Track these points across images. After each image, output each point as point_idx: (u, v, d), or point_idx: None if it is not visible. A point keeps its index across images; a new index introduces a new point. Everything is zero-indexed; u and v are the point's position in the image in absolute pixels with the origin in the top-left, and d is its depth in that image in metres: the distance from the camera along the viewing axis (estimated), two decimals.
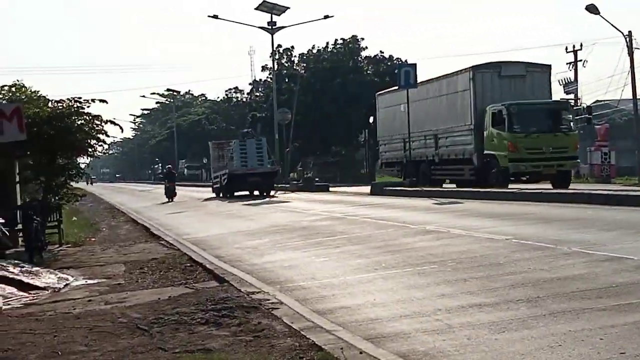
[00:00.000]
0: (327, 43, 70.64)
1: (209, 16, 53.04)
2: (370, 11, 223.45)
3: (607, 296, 7.52)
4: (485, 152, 30.60)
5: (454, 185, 33.23)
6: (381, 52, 69.63)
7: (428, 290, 8.91)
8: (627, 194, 19.66)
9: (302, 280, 10.61)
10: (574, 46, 54.28)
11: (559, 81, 53.41)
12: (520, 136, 29.32)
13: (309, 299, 9.11)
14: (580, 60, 53.75)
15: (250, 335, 7.52)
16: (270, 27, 51.80)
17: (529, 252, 10.97)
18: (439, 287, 9.08)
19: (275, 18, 51.49)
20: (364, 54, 69.95)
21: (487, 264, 10.30)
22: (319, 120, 62.00)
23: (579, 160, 29.97)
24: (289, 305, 8.73)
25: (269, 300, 9.08)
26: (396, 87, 38.33)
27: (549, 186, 28.75)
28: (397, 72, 34.15)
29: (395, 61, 65.65)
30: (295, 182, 47.84)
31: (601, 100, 61.81)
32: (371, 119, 53.64)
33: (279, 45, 68.51)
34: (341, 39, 70.50)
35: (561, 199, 20.87)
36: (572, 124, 30.09)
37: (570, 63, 54.10)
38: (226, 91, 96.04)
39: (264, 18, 57.12)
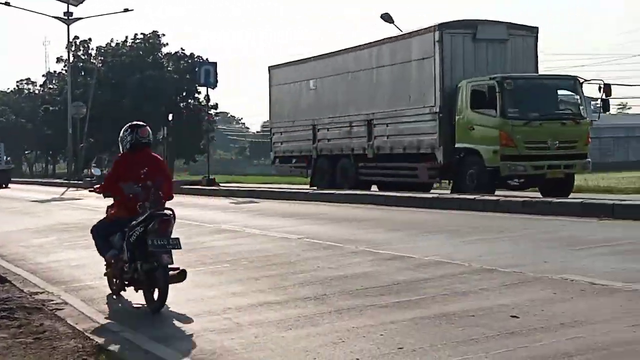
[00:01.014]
0: (127, 37, 70.55)
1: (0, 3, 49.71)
2: (174, 6, 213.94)
3: (389, 293, 7.63)
4: (458, 145, 21.67)
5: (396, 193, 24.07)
6: (182, 49, 70.39)
7: (219, 289, 8.90)
8: (412, 196, 19.88)
9: (89, 279, 10.21)
10: None
11: None
12: (518, 124, 20.59)
13: (96, 299, 8.87)
14: None
15: (31, 337, 7.25)
16: (66, 17, 49.84)
17: (320, 251, 11.20)
18: (230, 285, 9.12)
19: (72, 9, 49.90)
20: (164, 50, 70.49)
21: (279, 263, 10.46)
22: (116, 115, 56.80)
23: (590, 160, 21.67)
24: (74, 305, 8.53)
25: (53, 300, 8.84)
26: (303, 58, 28.90)
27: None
28: (197, 70, 33.65)
29: (196, 59, 65.45)
30: (89, 178, 40.84)
31: None
32: (170, 116, 51.95)
33: (76, 37, 68.56)
34: (141, 33, 70.38)
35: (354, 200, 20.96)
36: (582, 109, 21.60)
37: None
38: (17, 82, 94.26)
39: (60, 8, 53.48)
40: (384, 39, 24.98)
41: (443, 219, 15.25)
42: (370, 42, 25.42)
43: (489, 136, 20.85)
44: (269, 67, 31.53)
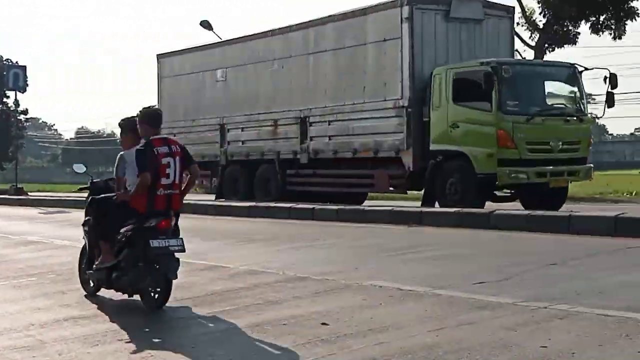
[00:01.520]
0: None
1: None
2: None
3: (202, 304, 7.49)
4: (435, 147, 17.40)
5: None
6: None
7: (23, 304, 8.31)
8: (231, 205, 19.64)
9: None
10: None
11: None
12: (519, 121, 16.52)
13: None
14: None
15: None
16: None
17: None
18: (35, 300, 8.50)
19: None
20: None
21: None
22: None
23: (592, 166, 17.91)
24: None
25: None
26: (207, 43, 24.01)
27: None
28: (4, 74, 32.24)
29: (5, 62, 57.44)
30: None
31: None
32: None
33: None
34: None
35: None
36: (584, 103, 17.82)
37: None
38: None
39: None
40: (325, 17, 20.40)
41: (260, 227, 15.12)
42: (306, 22, 20.84)
43: (481, 136, 16.72)
44: (158, 55, 26.33)
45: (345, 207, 16.55)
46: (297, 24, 20.99)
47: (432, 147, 17.51)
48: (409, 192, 19.31)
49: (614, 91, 17.73)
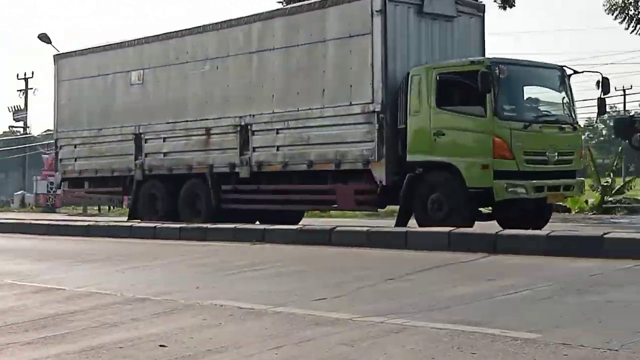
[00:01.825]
0: None
1: None
2: None
3: (34, 328, 7.02)
4: (413, 158, 15.24)
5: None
6: None
7: None
8: (67, 224, 18.83)
9: None
10: (25, 73, 58.21)
11: (8, 108, 54.40)
12: (517, 128, 14.59)
13: None
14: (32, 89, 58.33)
15: None
16: None
17: None
18: None
19: None
20: None
21: None
22: None
23: (583, 179, 16.16)
24: None
25: None
26: (117, 42, 21.18)
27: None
28: None
29: None
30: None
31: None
32: None
33: None
34: None
35: None
36: (574, 110, 16.09)
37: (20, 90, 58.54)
38: None
39: None
40: (273, 10, 18.01)
41: (99, 247, 14.57)
42: (247, 17, 18.29)
43: (474, 145, 14.71)
44: (55, 56, 23.17)
45: (188, 225, 15.68)
46: (235, 19, 18.44)
47: (410, 157, 15.33)
48: (380, 209, 17.02)
49: (604, 97, 16.03)
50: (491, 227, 13.55)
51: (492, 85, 14.16)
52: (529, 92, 15.37)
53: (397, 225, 15.46)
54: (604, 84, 15.66)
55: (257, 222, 17.36)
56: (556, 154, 15.01)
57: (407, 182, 15.29)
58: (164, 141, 19.60)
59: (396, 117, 15.61)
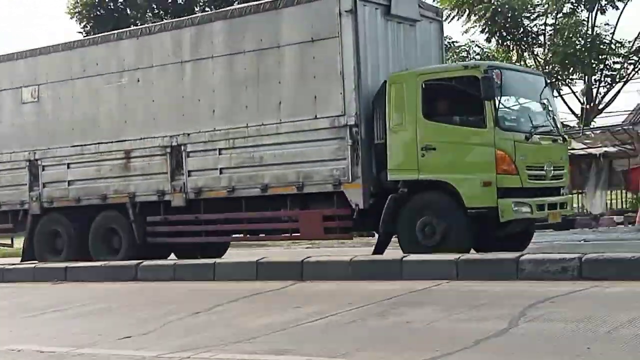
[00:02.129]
0: None
1: None
2: None
3: None
4: (396, 177, 13.43)
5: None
6: None
7: None
8: None
9: None
10: None
11: None
12: (520, 139, 13.06)
13: None
14: None
15: None
16: None
17: None
18: None
19: None
20: None
21: None
22: None
23: (571, 196, 14.84)
24: None
25: None
26: (4, 54, 18.26)
27: None
28: None
29: None
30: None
31: None
32: None
33: None
34: None
35: None
36: (558, 120, 14.81)
37: None
38: None
39: None
40: (211, 13, 15.73)
41: None
42: (178, 21, 15.98)
43: (473, 159, 13.02)
44: None
45: None
46: (160, 24, 16.07)
47: (392, 176, 13.49)
48: (354, 236, 15.02)
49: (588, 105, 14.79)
50: (299, 254, 13.33)
51: (495, 92, 12.56)
52: (528, 100, 13.86)
53: (375, 252, 13.66)
54: (588, 95, 14.35)
55: (199, 256, 14.98)
56: (552, 168, 13.59)
57: (389, 205, 13.41)
58: (68, 167, 16.81)
59: (371, 131, 13.72)
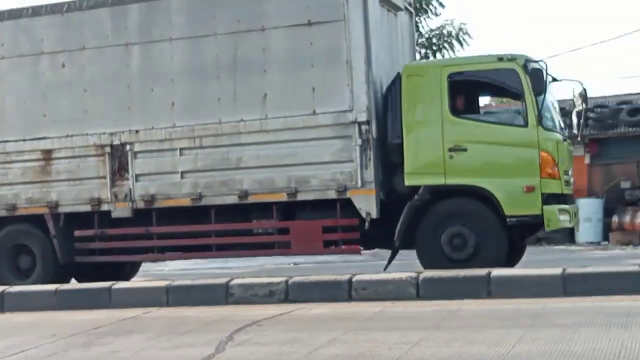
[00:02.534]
0: None
1: None
2: None
3: None
4: (415, 182, 11.83)
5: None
6: None
7: None
8: None
9: None
10: None
11: None
12: (559, 141, 11.98)
13: None
14: None
15: None
16: None
17: None
18: None
19: None
20: None
21: None
22: None
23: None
24: None
25: None
26: None
27: None
28: None
29: None
30: None
31: None
32: None
33: None
34: None
35: None
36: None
37: None
38: None
39: None
40: None
41: None
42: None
43: (514, 162, 11.67)
44: None
45: None
46: None
47: (410, 181, 11.82)
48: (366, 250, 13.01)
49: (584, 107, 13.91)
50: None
51: (544, 87, 11.32)
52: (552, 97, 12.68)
53: (387, 268, 11.90)
54: (584, 95, 13.47)
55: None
56: (570, 171, 12.59)
57: (407, 214, 11.72)
58: None
59: (382, 129, 12.01)
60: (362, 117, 11.80)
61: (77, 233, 13.05)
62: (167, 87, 12.70)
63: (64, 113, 13.12)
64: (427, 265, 11.50)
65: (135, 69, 12.86)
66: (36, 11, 13.40)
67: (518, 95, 11.60)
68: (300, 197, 12.10)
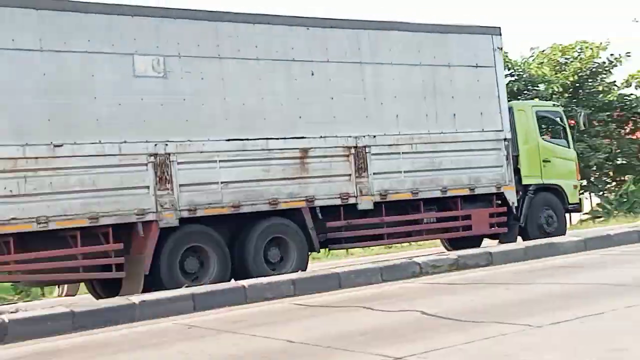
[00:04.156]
0: None
1: None
2: None
3: None
4: (528, 181, 18.00)
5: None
6: None
7: None
8: None
9: None
10: None
11: None
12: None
13: None
14: None
15: None
16: None
17: None
18: None
19: None
20: None
21: None
22: None
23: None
24: None
25: None
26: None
27: None
28: None
29: None
30: None
31: None
32: None
33: None
34: None
35: None
36: None
37: None
38: None
39: None
40: (390, 22, 15.86)
41: None
42: (354, 21, 15.53)
43: (567, 169, 18.52)
44: None
45: None
46: (335, 20, 15.28)
47: (525, 181, 17.70)
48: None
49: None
50: None
51: (566, 123, 18.64)
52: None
53: (525, 238, 17.24)
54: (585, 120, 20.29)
55: None
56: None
57: (527, 202, 17.61)
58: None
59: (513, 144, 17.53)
60: (508, 135, 17.02)
61: (329, 224, 14.80)
62: (391, 102, 15.64)
63: (317, 116, 14.74)
64: (532, 236, 17.31)
65: (369, 86, 15.40)
66: (286, 21, 14.63)
67: (563, 127, 18.42)
68: (477, 191, 16.55)
